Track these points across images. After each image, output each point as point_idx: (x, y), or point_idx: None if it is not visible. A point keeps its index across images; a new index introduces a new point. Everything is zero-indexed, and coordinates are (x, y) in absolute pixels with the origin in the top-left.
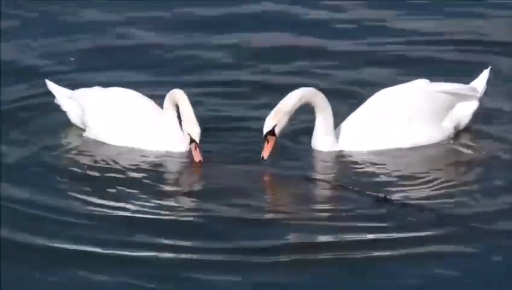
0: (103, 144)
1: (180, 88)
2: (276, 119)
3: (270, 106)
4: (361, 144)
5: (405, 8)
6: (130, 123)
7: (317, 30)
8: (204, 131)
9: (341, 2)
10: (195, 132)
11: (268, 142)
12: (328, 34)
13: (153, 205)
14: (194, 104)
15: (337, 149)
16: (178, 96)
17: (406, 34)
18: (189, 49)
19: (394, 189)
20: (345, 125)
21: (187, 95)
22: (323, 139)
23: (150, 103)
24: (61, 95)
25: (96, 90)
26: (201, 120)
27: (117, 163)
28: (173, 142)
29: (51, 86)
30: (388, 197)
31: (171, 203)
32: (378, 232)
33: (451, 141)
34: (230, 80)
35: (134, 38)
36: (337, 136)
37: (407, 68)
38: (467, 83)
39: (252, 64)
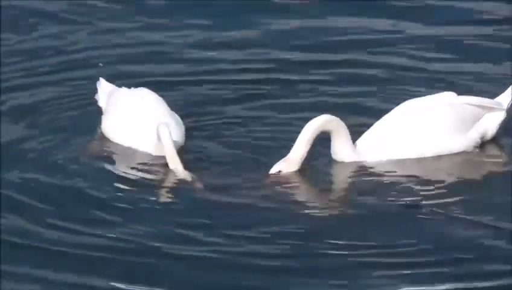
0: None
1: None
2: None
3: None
4: (385, 153)
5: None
6: (133, 124)
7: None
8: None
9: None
10: (180, 172)
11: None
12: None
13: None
14: None
15: (360, 159)
16: (160, 132)
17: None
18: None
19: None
20: (368, 135)
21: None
22: (345, 150)
23: (161, 107)
24: (102, 90)
25: (121, 90)
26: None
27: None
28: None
29: (101, 82)
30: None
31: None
32: None
33: (477, 150)
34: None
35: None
36: (360, 146)
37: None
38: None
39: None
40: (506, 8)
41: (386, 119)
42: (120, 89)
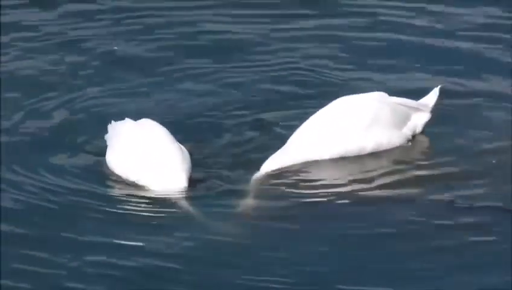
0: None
1: None
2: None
3: None
4: (323, 151)
5: None
6: (135, 157)
7: None
8: None
9: None
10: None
11: None
12: None
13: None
14: None
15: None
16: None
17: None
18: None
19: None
20: (302, 133)
21: None
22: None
23: (168, 140)
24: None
25: (124, 122)
26: None
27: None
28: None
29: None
30: None
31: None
32: None
33: (410, 143)
34: None
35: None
36: (293, 145)
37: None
38: None
39: None
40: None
41: (320, 117)
42: (124, 121)
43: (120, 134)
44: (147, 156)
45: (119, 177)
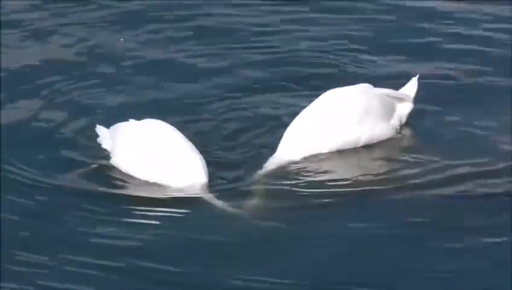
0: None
1: None
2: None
3: None
4: (322, 145)
5: None
6: (152, 157)
7: None
8: None
9: None
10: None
11: None
12: None
13: None
14: None
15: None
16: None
17: None
18: None
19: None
20: (296, 129)
21: None
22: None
23: (178, 137)
24: (103, 135)
25: (129, 123)
26: None
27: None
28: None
29: (99, 129)
30: None
31: None
32: None
33: (399, 135)
34: None
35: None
36: (289, 143)
37: None
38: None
39: None
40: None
41: (313, 111)
42: (128, 121)
43: (128, 135)
44: (165, 156)
45: (131, 177)
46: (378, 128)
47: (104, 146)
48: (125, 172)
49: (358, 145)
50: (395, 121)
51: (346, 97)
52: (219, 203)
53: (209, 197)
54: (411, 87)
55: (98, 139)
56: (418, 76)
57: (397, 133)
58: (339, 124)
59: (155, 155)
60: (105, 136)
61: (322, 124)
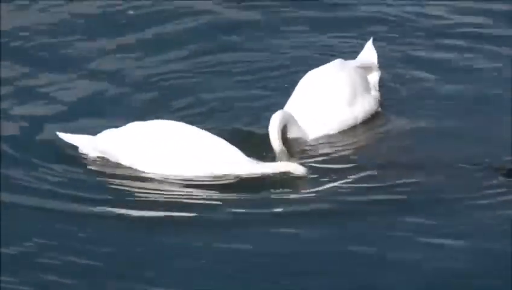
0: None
1: None
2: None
3: None
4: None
5: None
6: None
7: None
8: None
9: None
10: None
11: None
12: None
13: None
14: None
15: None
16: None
17: None
18: None
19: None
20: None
21: None
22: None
23: (194, 129)
24: (83, 144)
25: (133, 125)
26: None
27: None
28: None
29: (67, 137)
30: None
31: None
32: None
33: (380, 109)
34: None
35: None
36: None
37: None
38: None
39: None
40: None
41: (304, 95)
42: (128, 125)
43: (146, 136)
44: (194, 147)
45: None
46: (367, 103)
47: (91, 156)
48: (152, 173)
49: (356, 124)
50: (375, 93)
51: (330, 78)
52: (269, 166)
53: (258, 167)
54: (371, 52)
55: (80, 150)
56: (372, 38)
57: (378, 107)
58: (333, 108)
59: (182, 149)
60: (89, 145)
61: (317, 108)
